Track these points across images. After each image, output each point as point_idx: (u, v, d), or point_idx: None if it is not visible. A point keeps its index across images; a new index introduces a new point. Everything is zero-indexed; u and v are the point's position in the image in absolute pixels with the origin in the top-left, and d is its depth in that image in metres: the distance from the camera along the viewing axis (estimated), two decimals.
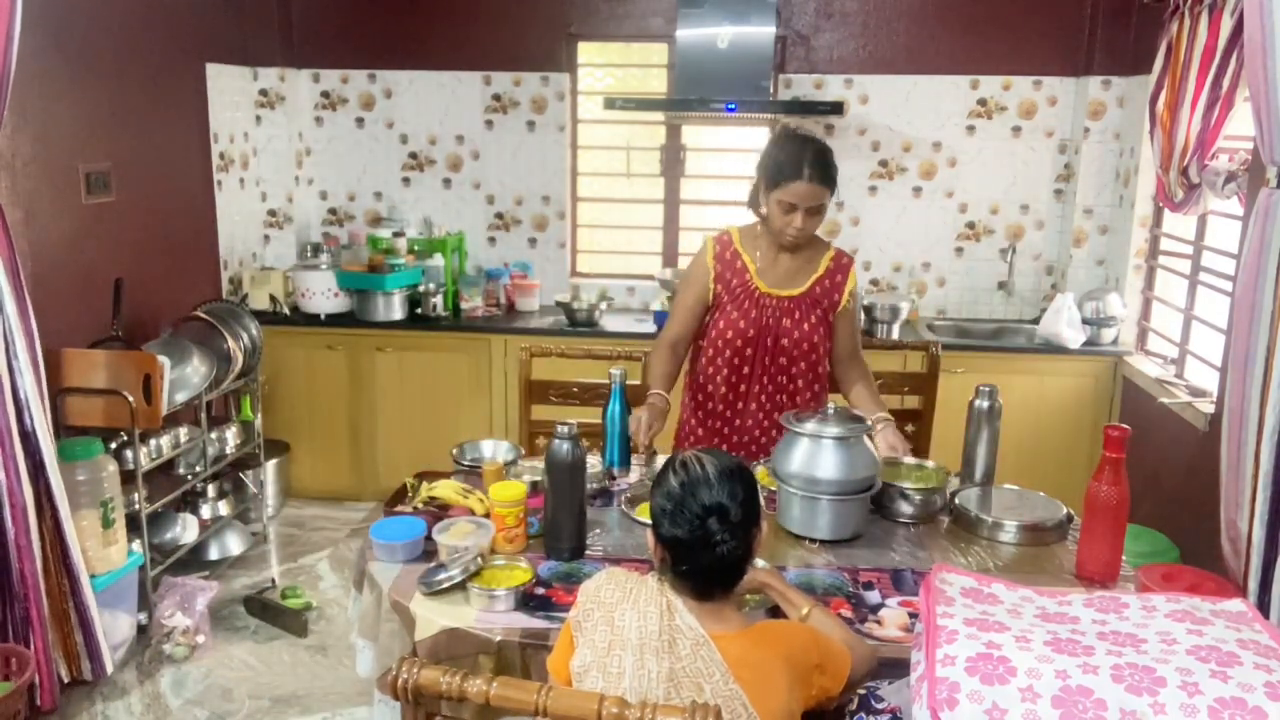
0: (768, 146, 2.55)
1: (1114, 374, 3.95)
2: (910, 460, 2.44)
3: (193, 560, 3.59)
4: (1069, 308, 3.93)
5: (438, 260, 4.33)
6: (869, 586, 1.96)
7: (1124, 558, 2.04)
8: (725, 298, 2.58)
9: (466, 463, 2.57)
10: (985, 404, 2.42)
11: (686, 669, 1.45)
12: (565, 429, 2.03)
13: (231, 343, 3.56)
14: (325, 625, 3.37)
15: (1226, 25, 3.02)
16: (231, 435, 3.81)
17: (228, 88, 4.25)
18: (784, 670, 1.50)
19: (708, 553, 1.49)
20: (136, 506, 3.14)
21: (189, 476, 3.55)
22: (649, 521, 2.22)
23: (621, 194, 4.73)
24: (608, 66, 4.64)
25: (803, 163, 2.39)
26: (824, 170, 2.41)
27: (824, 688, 1.56)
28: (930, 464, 2.42)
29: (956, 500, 2.31)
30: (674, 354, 2.64)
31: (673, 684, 1.44)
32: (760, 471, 2.51)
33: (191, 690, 2.98)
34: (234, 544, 3.79)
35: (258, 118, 4.50)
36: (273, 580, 3.67)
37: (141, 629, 3.18)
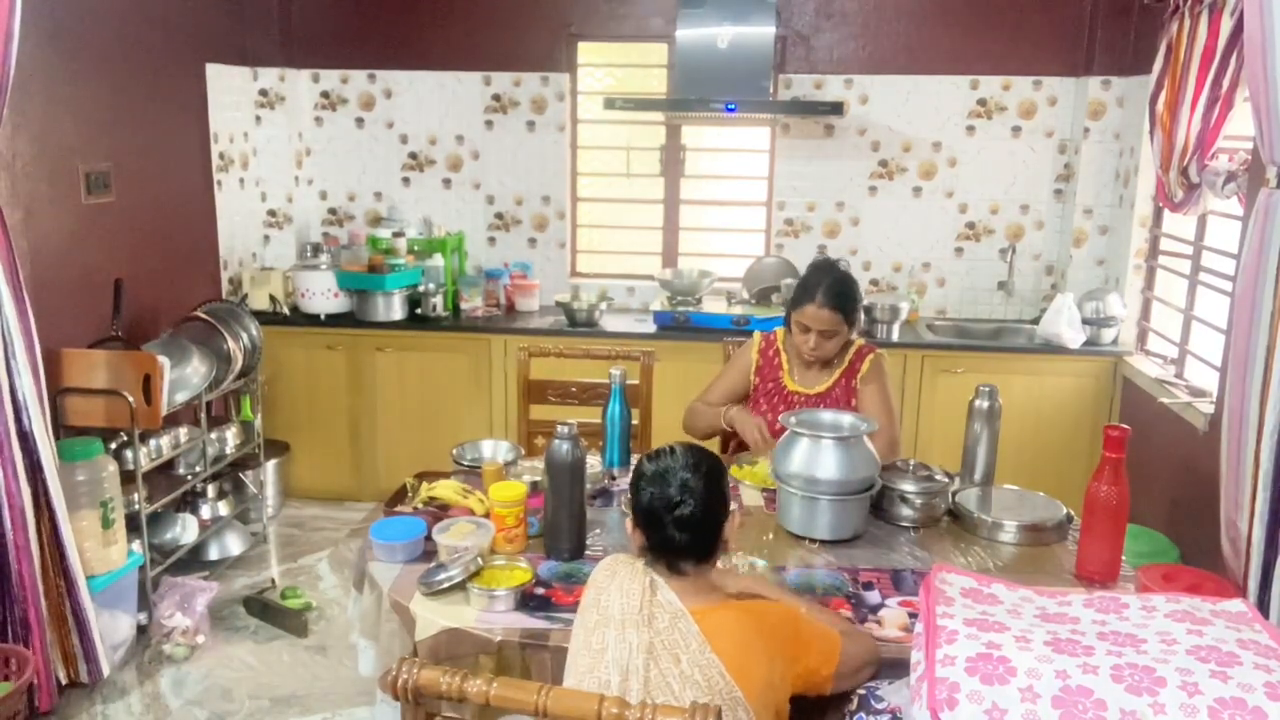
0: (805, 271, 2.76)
1: (1114, 374, 3.95)
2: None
3: (193, 560, 3.59)
4: (1069, 308, 3.93)
5: (438, 260, 4.33)
6: (869, 586, 1.96)
7: (1124, 558, 2.04)
8: (760, 391, 2.76)
9: (466, 463, 2.57)
10: (985, 404, 2.42)
11: (664, 641, 1.51)
12: (565, 429, 2.03)
13: (231, 343, 3.56)
14: (325, 625, 3.37)
15: (1226, 25, 3.02)
16: (231, 435, 3.81)
17: (228, 88, 4.25)
18: (762, 641, 1.54)
19: (670, 516, 1.55)
20: (136, 507, 3.14)
21: (189, 476, 3.55)
22: None
23: (621, 194, 4.73)
24: (608, 66, 4.64)
25: (819, 289, 2.55)
26: (838, 298, 2.56)
27: (810, 667, 1.59)
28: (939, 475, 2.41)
29: (956, 500, 2.31)
30: (712, 409, 2.80)
31: (650, 655, 1.50)
32: (754, 470, 2.52)
33: (191, 690, 2.98)
34: (234, 544, 3.79)
35: (258, 118, 4.50)
36: (273, 580, 3.67)
37: (141, 629, 3.18)
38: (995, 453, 2.44)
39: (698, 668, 1.49)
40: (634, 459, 2.60)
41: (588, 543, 2.10)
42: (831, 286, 2.57)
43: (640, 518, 1.60)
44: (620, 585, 1.57)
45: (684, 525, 1.55)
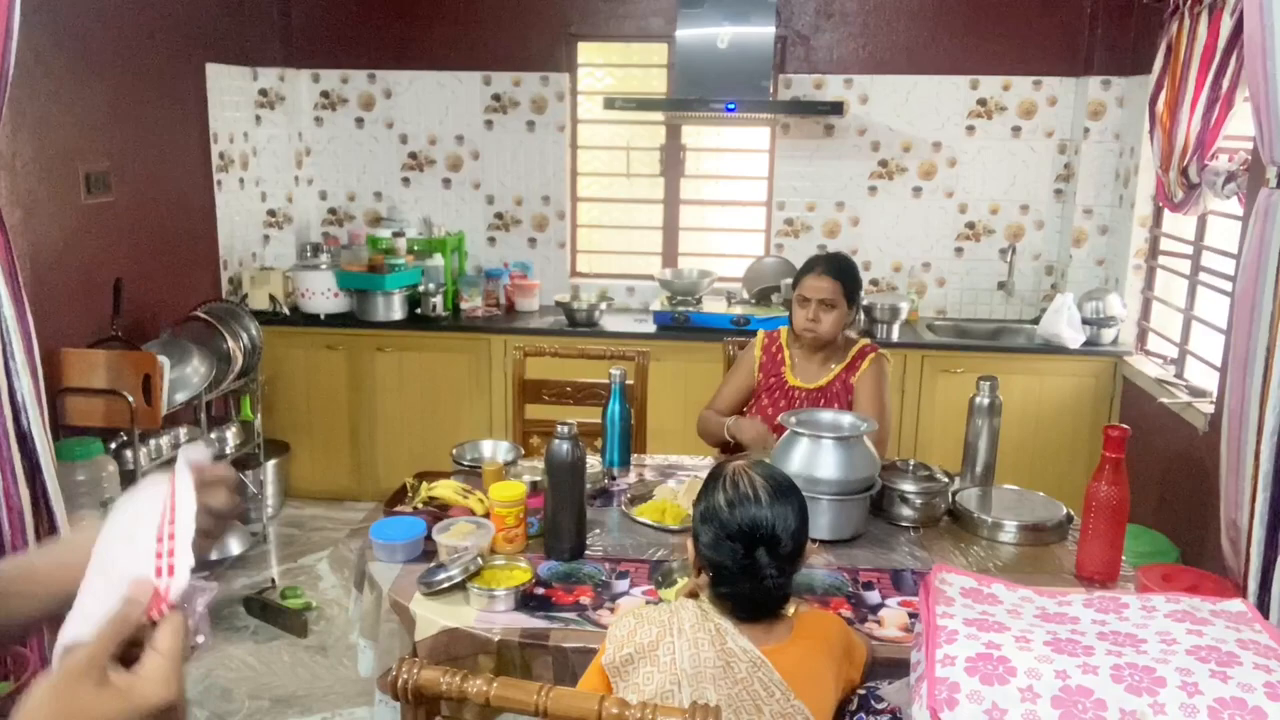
0: None
1: (1114, 374, 3.95)
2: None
3: None
4: (1069, 308, 3.93)
5: (438, 260, 4.33)
6: (869, 586, 1.96)
7: (1124, 558, 2.04)
8: (763, 387, 2.76)
9: (466, 463, 2.57)
10: (985, 400, 2.41)
11: (744, 693, 1.40)
12: (565, 429, 2.02)
13: (231, 343, 3.56)
14: (325, 625, 3.37)
15: (1226, 25, 3.02)
16: (231, 435, 3.81)
17: (228, 88, 4.25)
18: (829, 667, 1.50)
19: (754, 583, 1.44)
20: None
21: None
22: (649, 522, 2.23)
23: (621, 194, 4.73)
24: (608, 66, 4.64)
25: (819, 262, 2.66)
26: (836, 266, 2.65)
27: (850, 679, 1.56)
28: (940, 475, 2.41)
29: (956, 500, 2.31)
30: (719, 418, 2.79)
31: (732, 711, 1.39)
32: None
33: (191, 690, 2.98)
34: (234, 544, 3.79)
35: (258, 118, 4.50)
36: (273, 580, 3.67)
37: None
38: (995, 448, 2.44)
39: (781, 717, 1.40)
40: (634, 459, 2.61)
41: (588, 543, 2.10)
42: (831, 260, 2.68)
43: (712, 566, 1.47)
44: (684, 634, 1.43)
45: (770, 593, 1.45)
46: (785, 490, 1.49)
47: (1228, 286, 3.17)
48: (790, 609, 1.59)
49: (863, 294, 2.83)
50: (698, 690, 1.39)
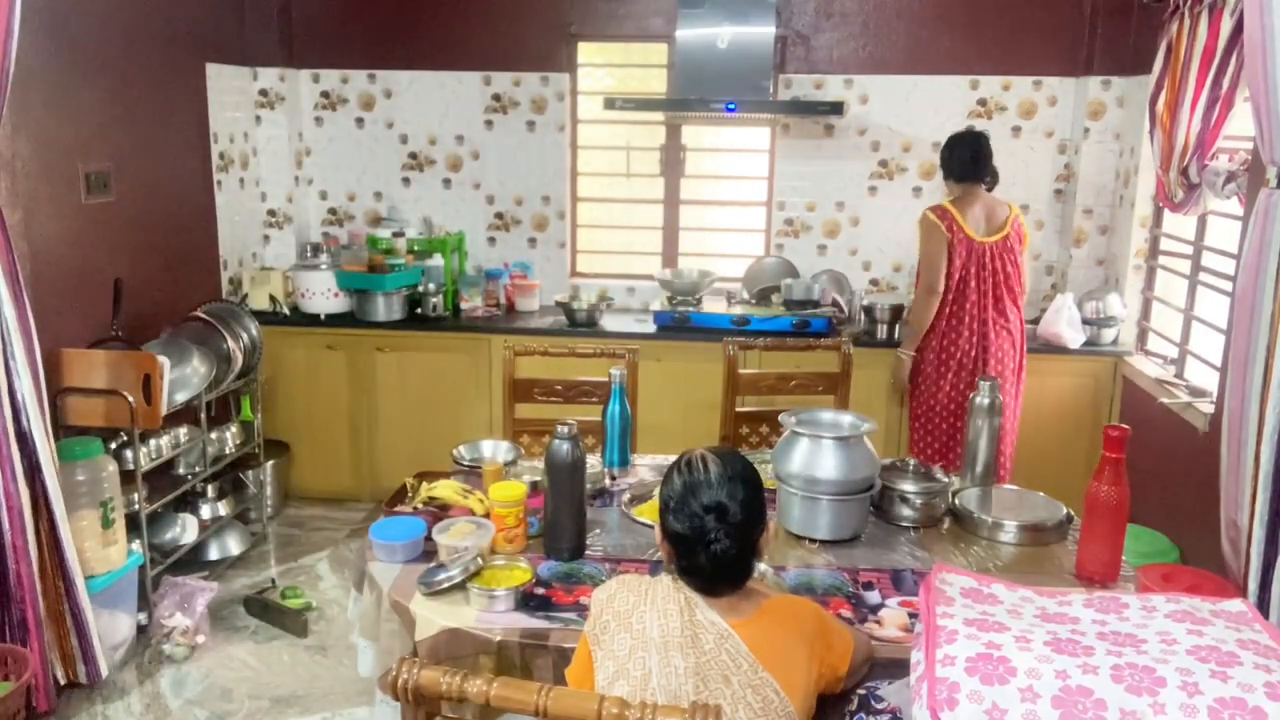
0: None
1: (1114, 374, 3.95)
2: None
3: (193, 560, 3.59)
4: (1069, 308, 3.93)
5: (437, 260, 4.33)
6: (869, 587, 1.96)
7: (1124, 558, 2.04)
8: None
9: (466, 463, 2.57)
10: (985, 400, 2.42)
11: (712, 663, 1.47)
12: (565, 429, 2.03)
13: (231, 343, 3.56)
14: (325, 625, 3.37)
15: (1226, 25, 3.02)
16: (231, 435, 3.81)
17: (228, 88, 4.25)
18: (801, 646, 1.52)
19: (704, 550, 1.50)
20: (136, 506, 3.14)
21: (189, 476, 3.55)
22: (649, 522, 2.24)
23: (621, 194, 4.72)
24: (608, 66, 4.64)
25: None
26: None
27: (832, 665, 1.57)
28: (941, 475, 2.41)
29: (957, 500, 2.31)
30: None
31: (700, 678, 1.45)
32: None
33: (191, 690, 2.98)
34: (234, 544, 3.79)
35: (258, 118, 4.50)
36: (273, 580, 3.67)
37: (141, 629, 3.18)
38: (995, 449, 2.45)
39: (750, 688, 1.45)
40: (634, 459, 2.61)
41: (588, 543, 2.10)
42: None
43: (672, 540, 1.55)
44: (655, 605, 1.51)
45: (718, 560, 1.50)
46: (735, 467, 1.56)
47: (1228, 286, 3.17)
48: (760, 590, 1.64)
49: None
50: (665, 657, 1.46)
